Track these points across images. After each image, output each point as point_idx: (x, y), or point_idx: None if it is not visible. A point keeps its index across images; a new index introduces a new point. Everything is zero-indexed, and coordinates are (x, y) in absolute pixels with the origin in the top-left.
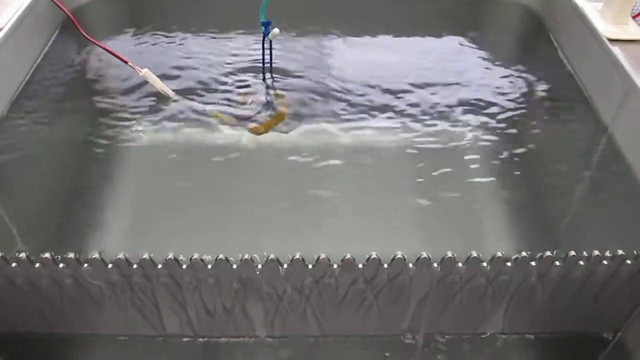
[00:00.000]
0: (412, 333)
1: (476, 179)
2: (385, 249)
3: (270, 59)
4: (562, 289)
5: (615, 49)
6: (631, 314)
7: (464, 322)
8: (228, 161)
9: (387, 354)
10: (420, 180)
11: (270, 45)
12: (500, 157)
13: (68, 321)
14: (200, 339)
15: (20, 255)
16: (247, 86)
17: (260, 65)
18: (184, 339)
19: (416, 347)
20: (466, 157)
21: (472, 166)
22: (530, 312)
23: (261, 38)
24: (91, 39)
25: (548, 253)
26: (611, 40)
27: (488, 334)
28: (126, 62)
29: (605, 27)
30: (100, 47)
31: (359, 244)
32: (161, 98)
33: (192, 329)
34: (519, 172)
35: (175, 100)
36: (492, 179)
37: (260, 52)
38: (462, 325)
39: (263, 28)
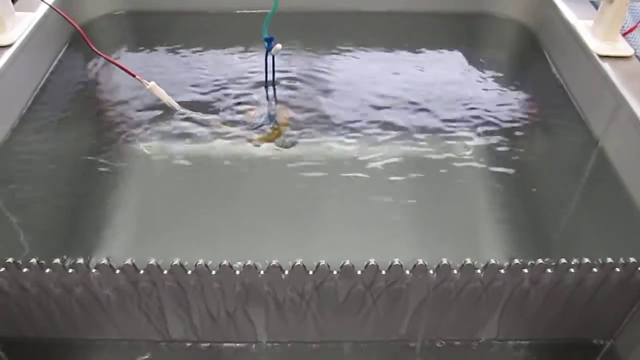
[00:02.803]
0: (409, 338)
1: (470, 190)
2: (383, 256)
3: (273, 73)
4: (554, 295)
5: (606, 65)
6: (622, 321)
7: (459, 327)
8: (230, 172)
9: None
10: (416, 190)
11: (273, 61)
12: (494, 168)
13: (75, 326)
14: (204, 344)
15: (31, 261)
16: (250, 100)
17: (263, 79)
18: (188, 344)
19: (413, 352)
20: (460, 169)
21: (466, 177)
22: (524, 319)
23: (264, 53)
24: (100, 53)
25: (540, 260)
26: (602, 57)
27: (483, 339)
28: (134, 76)
29: (596, 44)
30: (108, 60)
31: (357, 251)
32: (167, 110)
33: (195, 334)
34: (512, 184)
35: (180, 113)
36: (486, 189)
37: (264, 67)
38: (458, 331)
39: (266, 44)
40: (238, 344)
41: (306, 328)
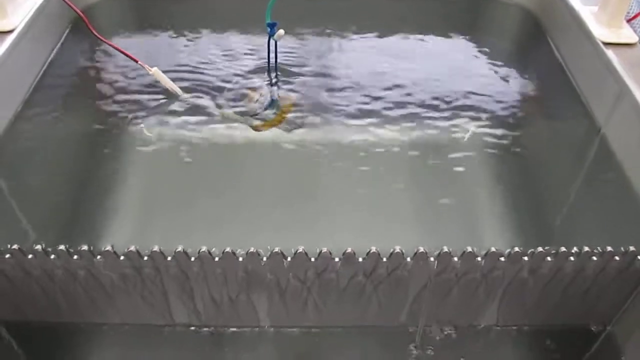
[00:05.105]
0: (410, 324)
1: (472, 177)
2: (385, 244)
3: (276, 59)
4: (553, 283)
5: (609, 52)
6: (620, 308)
7: (459, 314)
8: (233, 157)
9: (385, 345)
10: (418, 177)
11: (276, 46)
12: (496, 155)
13: (79, 310)
14: (206, 329)
15: (36, 247)
16: (253, 85)
17: (266, 64)
18: (191, 328)
19: (414, 338)
20: (462, 155)
21: (468, 164)
22: (523, 305)
23: (267, 39)
24: (102, 38)
25: (540, 248)
26: (605, 44)
27: (482, 325)
28: (136, 61)
29: (600, 31)
30: (110, 45)
31: (359, 238)
32: (170, 96)
33: (198, 319)
34: (514, 171)
35: (183, 98)
36: (488, 176)
37: (266, 52)
38: (458, 317)
39: (269, 29)
40: (240, 329)
41: (307, 314)
